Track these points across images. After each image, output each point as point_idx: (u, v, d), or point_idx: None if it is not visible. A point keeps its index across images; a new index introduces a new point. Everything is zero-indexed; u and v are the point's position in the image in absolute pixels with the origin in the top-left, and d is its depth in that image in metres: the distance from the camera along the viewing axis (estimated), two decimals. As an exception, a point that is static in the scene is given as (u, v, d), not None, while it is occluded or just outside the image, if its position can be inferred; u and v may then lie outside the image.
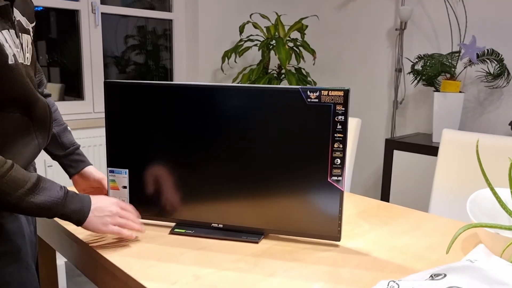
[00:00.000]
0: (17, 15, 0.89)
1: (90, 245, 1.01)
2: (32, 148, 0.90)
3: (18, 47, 0.86)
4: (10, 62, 0.80)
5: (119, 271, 0.91)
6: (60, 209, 0.87)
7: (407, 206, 2.35)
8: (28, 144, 0.89)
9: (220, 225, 1.08)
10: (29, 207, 0.82)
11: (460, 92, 2.30)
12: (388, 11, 2.78)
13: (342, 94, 0.95)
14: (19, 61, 0.84)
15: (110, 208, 0.95)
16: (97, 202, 0.94)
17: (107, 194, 1.16)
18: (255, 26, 2.77)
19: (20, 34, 0.88)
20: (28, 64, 0.91)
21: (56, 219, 1.13)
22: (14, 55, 0.82)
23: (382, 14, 2.81)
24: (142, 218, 1.14)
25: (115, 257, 0.95)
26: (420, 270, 0.92)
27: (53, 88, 2.51)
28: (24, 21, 0.92)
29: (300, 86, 0.98)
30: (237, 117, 1.02)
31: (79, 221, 0.91)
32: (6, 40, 0.80)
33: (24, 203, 0.81)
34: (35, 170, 1.06)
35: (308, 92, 0.97)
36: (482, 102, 2.42)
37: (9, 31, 0.82)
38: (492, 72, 2.28)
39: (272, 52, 2.81)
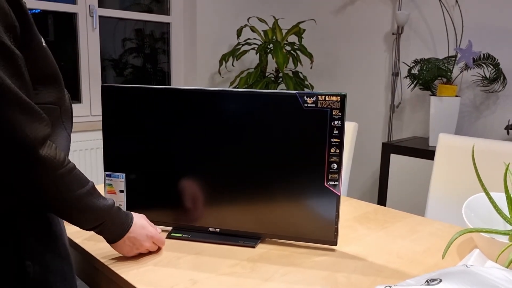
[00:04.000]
0: None
1: (86, 249, 1.01)
2: (65, 139, 0.89)
3: None
4: (44, 44, 0.82)
5: (116, 276, 0.91)
6: (107, 219, 0.86)
7: (404, 210, 2.36)
8: (60, 134, 0.88)
9: (217, 230, 1.08)
10: (85, 208, 0.81)
11: (457, 96, 2.31)
12: (385, 15, 2.79)
13: (339, 99, 0.96)
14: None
15: (143, 244, 0.95)
16: (134, 231, 0.92)
17: None
18: (253, 29, 2.78)
19: None
20: None
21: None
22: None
23: (379, 19, 2.82)
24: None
25: (111, 261, 0.95)
26: (416, 274, 0.93)
27: (50, 91, 2.50)
28: None
29: (297, 91, 0.98)
30: (234, 121, 1.02)
31: (112, 240, 0.91)
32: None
33: (82, 203, 0.80)
34: None
35: (305, 97, 0.98)
36: (478, 106, 2.43)
37: None
38: (488, 77, 2.29)
39: (269, 56, 2.82)
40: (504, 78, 2.25)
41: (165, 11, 2.86)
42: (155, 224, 1.13)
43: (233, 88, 2.82)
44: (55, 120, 0.85)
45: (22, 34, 0.75)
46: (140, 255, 0.98)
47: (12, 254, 0.77)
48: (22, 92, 0.72)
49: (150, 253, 0.99)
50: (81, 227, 0.84)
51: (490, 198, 0.99)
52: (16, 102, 0.70)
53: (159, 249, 1.01)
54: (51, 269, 0.81)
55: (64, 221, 0.88)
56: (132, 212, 0.95)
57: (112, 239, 0.90)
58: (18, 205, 0.78)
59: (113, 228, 0.88)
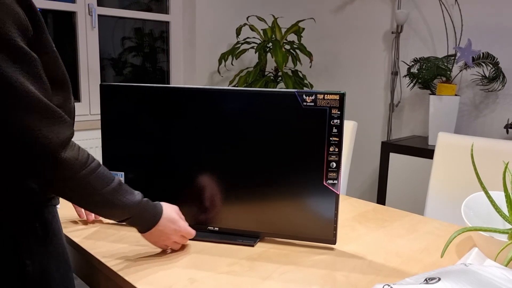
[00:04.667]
0: None
1: (85, 248, 1.00)
2: None
3: None
4: (54, 48, 0.82)
5: (115, 275, 0.91)
6: (134, 214, 0.88)
7: (403, 209, 2.36)
8: None
9: (216, 228, 1.08)
10: (111, 205, 0.83)
11: (456, 95, 2.31)
12: (384, 14, 2.79)
13: (338, 98, 0.95)
14: None
15: (170, 237, 0.96)
16: (162, 224, 0.93)
17: None
18: (252, 28, 2.78)
19: None
20: None
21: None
22: None
23: (379, 17, 2.82)
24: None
25: (110, 260, 0.95)
26: (415, 273, 0.93)
27: (49, 90, 2.50)
28: None
29: (296, 90, 0.98)
30: (233, 120, 1.02)
31: (141, 231, 0.93)
32: None
33: (107, 201, 0.82)
34: None
35: (304, 96, 0.97)
36: (477, 105, 2.43)
37: None
38: (487, 76, 2.29)
39: (269, 55, 2.81)
40: (504, 77, 2.25)
41: (164, 10, 2.86)
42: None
43: (232, 87, 2.82)
44: None
45: (34, 37, 0.75)
46: (173, 253, 0.98)
47: (12, 253, 0.77)
48: (42, 94, 0.72)
49: (179, 248, 0.99)
50: (110, 219, 0.88)
51: (489, 196, 0.99)
52: (37, 106, 0.71)
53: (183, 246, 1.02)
54: (50, 268, 0.82)
55: (59, 220, 0.89)
56: (164, 204, 0.96)
57: (140, 230, 0.93)
58: (16, 204, 0.78)
59: (140, 221, 0.90)
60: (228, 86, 2.95)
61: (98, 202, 0.81)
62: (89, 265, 1.02)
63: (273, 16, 2.85)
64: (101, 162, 0.89)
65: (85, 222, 1.15)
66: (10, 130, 0.69)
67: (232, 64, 2.91)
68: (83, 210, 1.15)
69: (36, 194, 0.81)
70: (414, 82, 2.42)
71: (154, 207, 0.92)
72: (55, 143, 0.72)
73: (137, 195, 0.89)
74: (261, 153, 1.02)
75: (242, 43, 2.74)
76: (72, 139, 0.91)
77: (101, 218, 1.17)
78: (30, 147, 0.70)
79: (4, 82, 0.68)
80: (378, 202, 2.48)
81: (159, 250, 1.01)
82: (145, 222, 0.91)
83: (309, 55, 2.74)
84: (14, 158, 0.71)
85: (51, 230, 0.83)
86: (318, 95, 0.96)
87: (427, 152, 2.26)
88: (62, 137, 0.74)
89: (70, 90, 0.87)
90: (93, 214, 1.15)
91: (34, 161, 0.71)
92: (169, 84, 2.94)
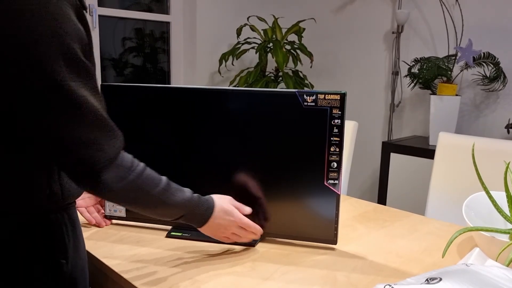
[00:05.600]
0: None
1: (86, 249, 1.00)
2: None
3: None
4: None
5: (116, 275, 0.91)
6: (187, 211, 0.88)
7: (404, 209, 2.36)
8: None
9: (217, 229, 1.08)
10: (163, 205, 0.83)
11: (457, 95, 2.31)
12: (385, 14, 2.79)
13: (339, 98, 0.95)
14: None
15: (227, 229, 0.95)
16: (217, 217, 0.93)
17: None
18: (253, 28, 2.78)
19: None
20: None
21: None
22: None
23: (379, 17, 2.82)
24: (138, 222, 1.14)
25: (111, 260, 0.95)
26: (416, 273, 0.93)
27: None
28: None
29: (296, 90, 0.98)
30: (234, 120, 1.02)
31: (197, 226, 0.93)
32: None
33: (158, 201, 0.82)
34: None
35: (305, 96, 0.97)
36: (478, 105, 2.43)
37: None
38: (488, 75, 2.29)
39: (269, 55, 2.81)
40: (504, 77, 2.25)
41: (165, 11, 2.86)
42: (154, 223, 1.13)
43: (232, 87, 2.82)
44: None
45: (88, 49, 0.74)
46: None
47: (50, 255, 0.77)
48: (101, 108, 0.72)
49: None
50: (164, 219, 0.87)
51: (490, 196, 0.99)
52: (98, 121, 0.71)
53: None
54: (78, 267, 0.82)
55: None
56: (216, 197, 0.95)
57: (196, 226, 0.93)
58: (52, 206, 0.78)
59: (194, 217, 0.90)
60: (228, 86, 2.95)
61: (150, 204, 0.81)
62: (90, 265, 1.02)
63: (274, 16, 2.85)
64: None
65: (87, 224, 1.15)
66: (66, 144, 0.68)
67: (232, 64, 2.91)
68: (94, 215, 1.15)
69: (67, 194, 0.81)
70: (414, 82, 2.41)
71: (205, 201, 0.92)
72: (112, 156, 0.73)
73: (187, 191, 0.88)
74: (261, 153, 1.02)
75: (243, 43, 2.74)
76: None
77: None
78: (87, 160, 0.70)
79: (70, 98, 0.66)
80: (378, 202, 2.48)
81: (159, 250, 1.01)
82: (199, 217, 0.90)
83: (309, 55, 2.74)
84: (67, 172, 0.71)
85: (77, 227, 0.84)
86: (319, 95, 0.96)
87: (428, 152, 2.26)
88: (117, 151, 0.74)
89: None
90: (108, 221, 1.16)
91: (90, 173, 0.71)
92: (169, 84, 2.94)
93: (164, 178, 0.84)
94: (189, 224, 0.91)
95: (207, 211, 0.91)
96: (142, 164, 0.80)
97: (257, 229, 0.99)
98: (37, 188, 0.74)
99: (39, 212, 0.76)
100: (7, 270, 0.73)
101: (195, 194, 0.90)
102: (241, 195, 1.04)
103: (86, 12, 0.73)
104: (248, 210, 1.00)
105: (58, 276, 0.78)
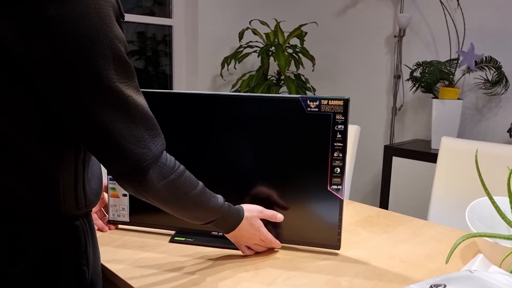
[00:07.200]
0: None
1: (90, 253, 1.01)
2: None
3: None
4: None
5: (119, 280, 0.91)
6: (219, 217, 0.90)
7: (406, 213, 2.36)
8: None
9: (220, 233, 1.08)
10: (199, 208, 0.85)
11: (459, 99, 2.31)
12: (386, 18, 2.79)
13: (342, 103, 0.96)
14: None
15: (249, 240, 1.00)
16: (243, 228, 0.96)
17: (106, 203, 1.16)
18: (255, 32, 2.78)
19: None
20: None
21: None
22: None
23: (381, 21, 2.82)
24: (142, 226, 1.14)
25: (115, 265, 0.95)
26: (420, 279, 0.92)
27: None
28: None
29: (300, 95, 0.98)
30: (237, 125, 1.02)
31: (224, 232, 0.96)
32: None
33: (195, 203, 0.84)
34: None
35: (308, 101, 0.98)
36: (480, 109, 2.43)
37: None
38: (490, 79, 2.29)
39: (271, 59, 2.82)
40: (507, 81, 2.25)
41: (167, 14, 2.86)
42: (157, 228, 1.13)
43: (234, 90, 2.83)
44: None
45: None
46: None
47: (74, 263, 0.78)
48: (146, 106, 0.74)
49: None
50: (195, 222, 0.89)
51: (493, 202, 0.99)
52: (145, 119, 0.73)
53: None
54: (96, 274, 0.83)
55: None
56: (247, 208, 0.98)
57: (223, 232, 0.96)
58: (78, 211, 0.79)
59: (224, 223, 0.92)
60: (230, 90, 2.96)
61: (187, 206, 0.83)
62: (93, 270, 1.03)
63: (276, 20, 2.85)
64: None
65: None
66: (115, 142, 0.70)
67: (234, 68, 2.92)
68: (98, 222, 1.15)
69: (89, 201, 0.81)
70: (416, 86, 2.41)
71: (236, 210, 0.94)
72: (156, 154, 0.74)
73: (220, 198, 0.90)
74: (265, 158, 1.02)
75: (245, 47, 2.74)
76: None
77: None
78: (135, 158, 0.71)
79: (119, 97, 0.69)
80: (380, 206, 2.47)
81: (163, 255, 1.01)
82: (228, 224, 0.93)
83: (311, 58, 2.75)
84: (114, 170, 0.73)
85: (95, 234, 0.85)
86: (322, 100, 0.97)
87: (430, 156, 2.26)
88: (161, 148, 0.76)
89: None
90: (112, 226, 1.16)
91: (137, 171, 0.72)
92: (171, 88, 2.94)
93: (200, 182, 0.86)
94: (217, 228, 0.93)
95: (237, 219, 0.94)
96: (182, 166, 0.82)
97: (278, 244, 1.03)
98: (67, 195, 0.75)
99: (67, 218, 0.77)
100: (36, 275, 0.74)
101: (226, 202, 0.92)
102: (248, 201, 1.04)
103: (123, 21, 0.75)
104: (280, 217, 1.03)
105: (81, 282, 0.79)
